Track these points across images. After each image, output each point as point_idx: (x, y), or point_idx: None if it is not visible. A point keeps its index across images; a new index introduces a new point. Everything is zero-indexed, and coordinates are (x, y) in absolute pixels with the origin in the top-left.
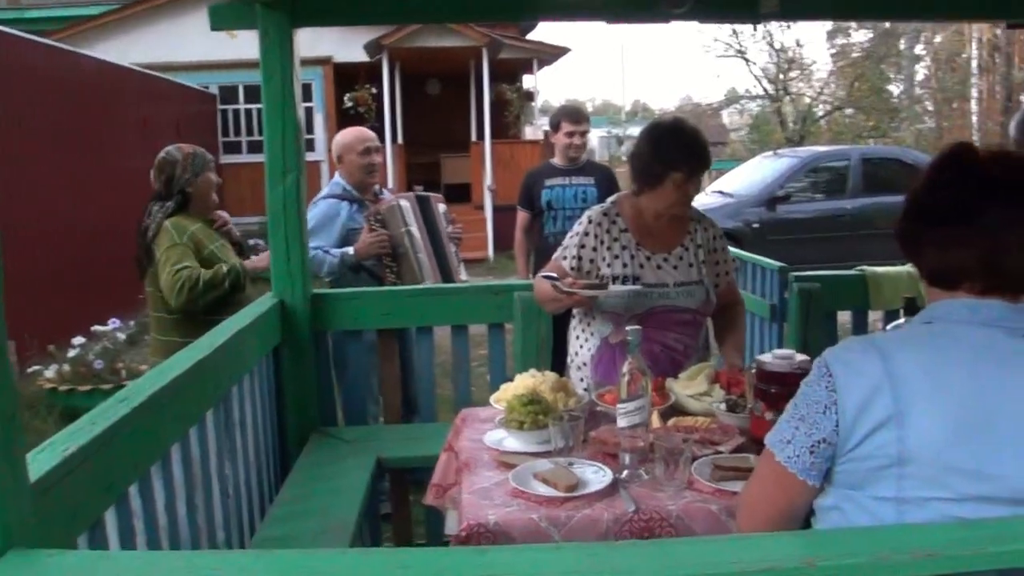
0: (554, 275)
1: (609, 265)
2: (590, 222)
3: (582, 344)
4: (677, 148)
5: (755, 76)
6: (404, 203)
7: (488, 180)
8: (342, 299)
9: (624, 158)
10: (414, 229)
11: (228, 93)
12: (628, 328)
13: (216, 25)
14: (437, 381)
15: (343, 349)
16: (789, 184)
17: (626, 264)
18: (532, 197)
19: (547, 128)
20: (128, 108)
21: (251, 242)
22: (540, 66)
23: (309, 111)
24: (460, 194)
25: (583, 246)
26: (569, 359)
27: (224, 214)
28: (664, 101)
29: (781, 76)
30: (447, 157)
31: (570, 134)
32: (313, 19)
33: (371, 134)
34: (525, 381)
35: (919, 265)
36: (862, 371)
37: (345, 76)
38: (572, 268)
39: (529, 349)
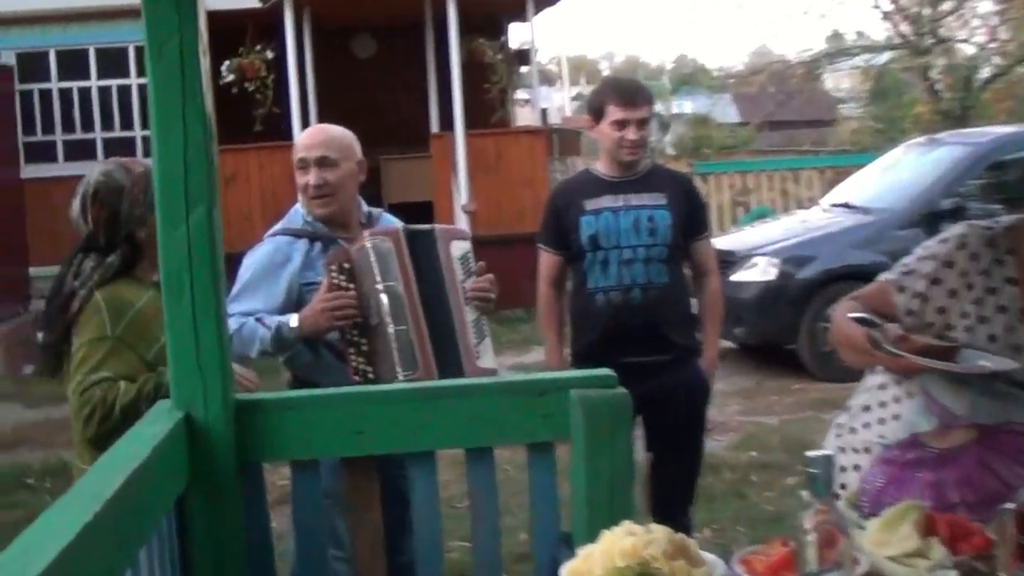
0: (870, 317)
1: (969, 330)
2: (961, 247)
3: (880, 419)
4: None
5: (883, 12)
6: (383, 243)
7: (462, 196)
8: (284, 410)
9: (671, 151)
10: (397, 286)
11: (32, 64)
12: (809, 455)
13: None
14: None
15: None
16: (958, 189)
17: (995, 337)
18: (564, 229)
19: (546, 106)
20: None
21: None
22: (537, 8)
23: None
24: (415, 219)
25: (937, 281)
26: (851, 417)
27: None
28: (726, 57)
29: (926, 12)
30: (391, 160)
31: (622, 123)
32: None
33: (325, 135)
34: (620, 543)
35: None
36: None
37: (224, 34)
38: (908, 312)
39: (600, 484)
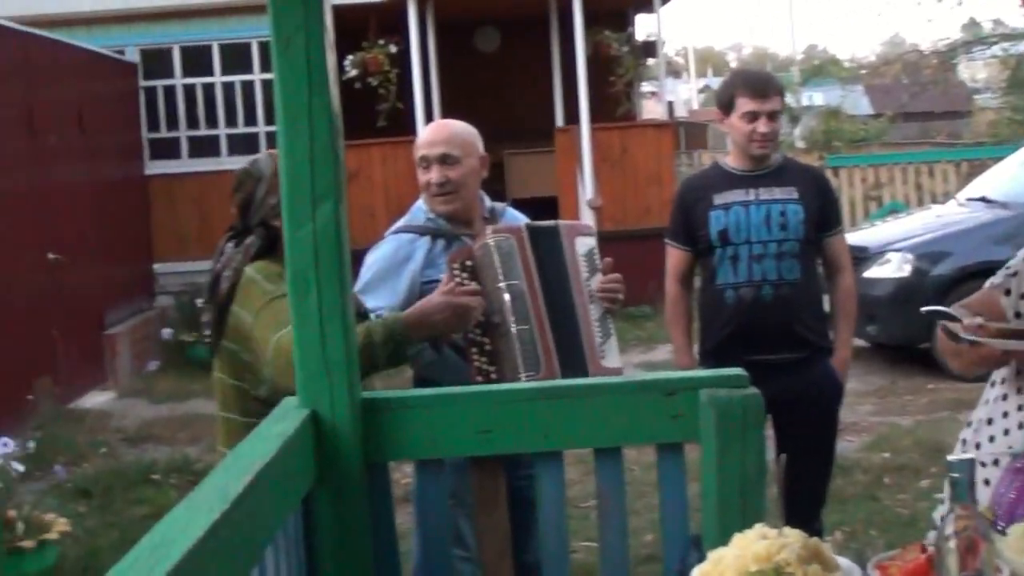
0: (946, 310)
1: None
2: None
3: (1006, 430)
4: None
5: None
6: (506, 241)
7: (588, 191)
8: (410, 408)
9: (801, 144)
10: (520, 284)
11: (156, 60)
12: (951, 459)
13: None
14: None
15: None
16: None
17: None
18: (693, 224)
19: (672, 99)
20: (2, 88)
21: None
22: (664, 0)
23: None
24: (540, 214)
25: None
26: (974, 432)
27: None
28: (857, 47)
29: None
30: (515, 154)
31: (752, 116)
32: None
33: (447, 131)
34: (753, 546)
35: None
36: None
37: (347, 28)
38: (1016, 315)
39: (731, 486)
